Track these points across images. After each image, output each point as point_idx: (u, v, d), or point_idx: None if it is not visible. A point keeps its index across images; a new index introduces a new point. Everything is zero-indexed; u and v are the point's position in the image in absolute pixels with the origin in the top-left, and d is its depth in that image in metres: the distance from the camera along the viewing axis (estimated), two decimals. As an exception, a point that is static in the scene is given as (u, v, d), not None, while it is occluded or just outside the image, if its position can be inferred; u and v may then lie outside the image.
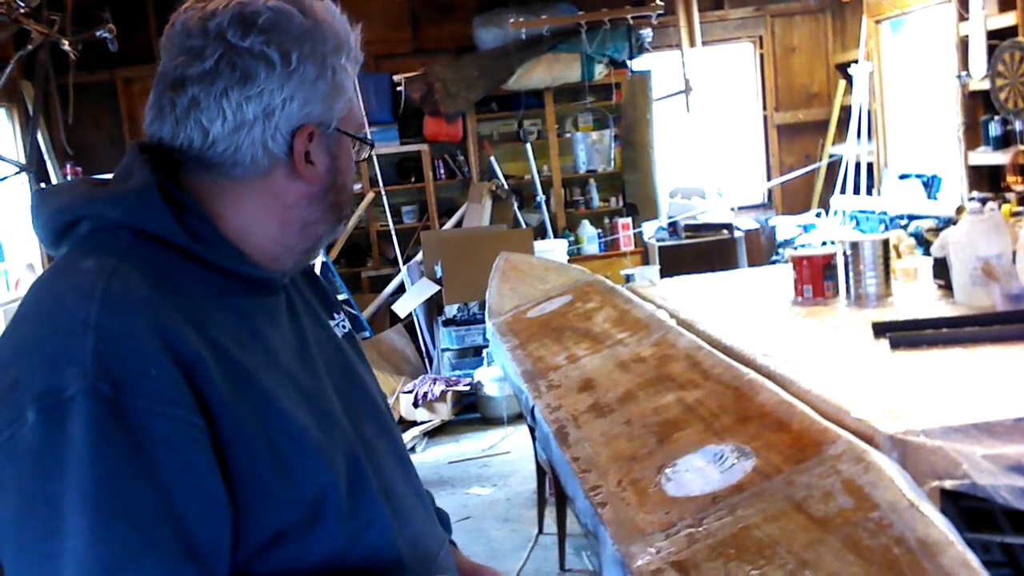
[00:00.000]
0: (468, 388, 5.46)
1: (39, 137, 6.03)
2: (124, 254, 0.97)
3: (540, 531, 3.72)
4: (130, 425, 0.87)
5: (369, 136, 1.15)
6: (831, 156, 7.14)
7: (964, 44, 5.28)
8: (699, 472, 1.60)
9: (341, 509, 1.00)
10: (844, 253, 2.86)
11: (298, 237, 1.09)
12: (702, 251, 6.18)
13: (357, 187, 6.92)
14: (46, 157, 6.32)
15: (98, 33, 5.07)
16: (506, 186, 6.70)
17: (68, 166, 6.30)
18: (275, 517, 0.96)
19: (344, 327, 1.25)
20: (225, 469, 0.92)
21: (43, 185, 5.52)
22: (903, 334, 2.24)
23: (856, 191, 6.76)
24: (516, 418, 5.08)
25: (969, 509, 1.93)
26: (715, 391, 1.93)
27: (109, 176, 1.05)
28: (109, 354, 0.88)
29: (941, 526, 1.18)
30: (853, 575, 1.16)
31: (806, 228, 6.77)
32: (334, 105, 1.06)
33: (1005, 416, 1.63)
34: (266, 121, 1.02)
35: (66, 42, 5.01)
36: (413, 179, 6.93)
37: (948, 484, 1.48)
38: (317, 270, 1.30)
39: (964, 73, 5.29)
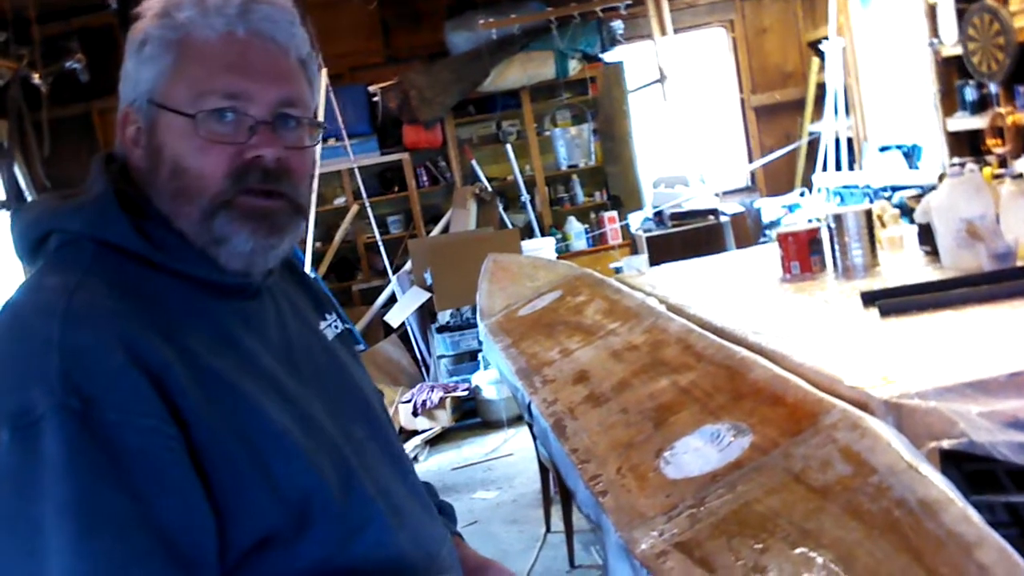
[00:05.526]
0: (467, 393, 5.44)
1: (17, 173, 6.00)
2: (87, 267, 0.96)
3: (548, 530, 3.70)
4: (103, 438, 0.86)
5: (236, 105, 0.99)
6: (810, 134, 7.15)
7: (933, 11, 5.29)
8: (697, 453, 1.59)
9: (332, 511, 0.99)
10: (828, 226, 2.85)
11: (199, 237, 1.01)
12: (690, 238, 6.15)
13: (340, 200, 6.90)
14: (26, 193, 6.29)
15: (67, 64, 5.06)
16: (490, 188, 6.69)
17: (49, 201, 6.28)
18: (260, 522, 0.94)
19: (336, 327, 1.23)
20: (204, 476, 0.91)
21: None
22: (892, 301, 2.24)
23: (838, 167, 6.76)
24: (516, 420, 5.06)
25: (972, 472, 1.93)
26: (708, 372, 1.92)
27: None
28: (76, 369, 0.87)
29: (941, 485, 1.17)
30: (855, 540, 1.15)
31: (791, 208, 6.77)
32: (140, 77, 1.02)
33: (999, 372, 1.62)
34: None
35: (36, 76, 5.00)
36: (396, 189, 6.92)
37: (946, 444, 1.47)
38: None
39: (935, 40, 5.29)
